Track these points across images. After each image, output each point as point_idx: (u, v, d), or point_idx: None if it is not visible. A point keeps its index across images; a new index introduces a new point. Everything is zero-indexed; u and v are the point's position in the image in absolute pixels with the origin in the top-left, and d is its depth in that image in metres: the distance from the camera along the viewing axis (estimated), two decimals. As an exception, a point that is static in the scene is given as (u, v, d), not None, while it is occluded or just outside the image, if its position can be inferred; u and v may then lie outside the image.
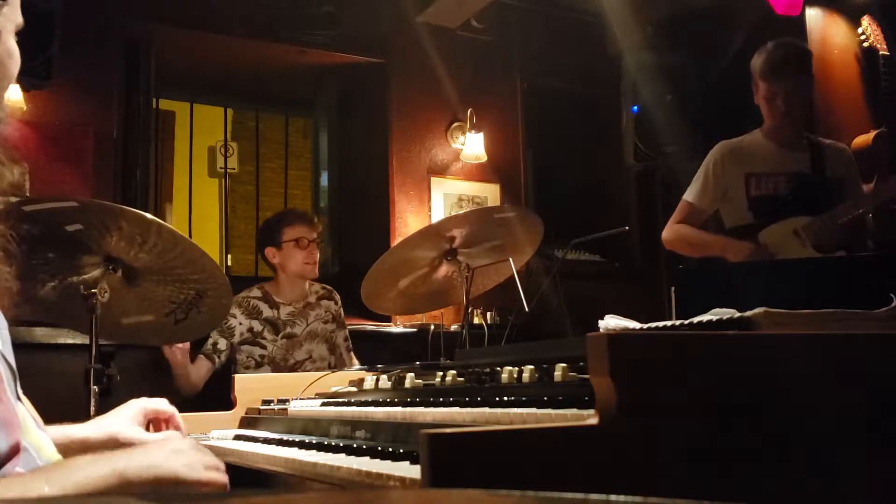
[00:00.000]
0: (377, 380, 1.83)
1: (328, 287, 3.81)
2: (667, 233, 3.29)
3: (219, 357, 3.50)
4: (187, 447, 1.18)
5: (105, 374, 2.35)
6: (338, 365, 3.68)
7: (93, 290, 2.31)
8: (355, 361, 3.75)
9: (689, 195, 3.25)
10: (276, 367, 3.53)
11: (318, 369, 3.58)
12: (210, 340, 3.50)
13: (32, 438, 1.20)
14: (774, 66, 3.07)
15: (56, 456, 1.22)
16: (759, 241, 3.00)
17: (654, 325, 1.29)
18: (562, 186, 5.97)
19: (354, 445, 1.34)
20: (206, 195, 5.92)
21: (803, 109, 3.17)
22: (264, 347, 3.54)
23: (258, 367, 3.52)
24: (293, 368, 3.55)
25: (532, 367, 1.39)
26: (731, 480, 0.96)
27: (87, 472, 0.99)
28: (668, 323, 1.26)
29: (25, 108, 4.02)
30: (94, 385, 2.29)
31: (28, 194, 3.83)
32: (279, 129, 6.06)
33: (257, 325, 3.55)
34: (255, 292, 3.63)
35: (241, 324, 3.53)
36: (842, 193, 3.11)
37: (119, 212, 2.27)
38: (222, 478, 1.21)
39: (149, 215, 2.31)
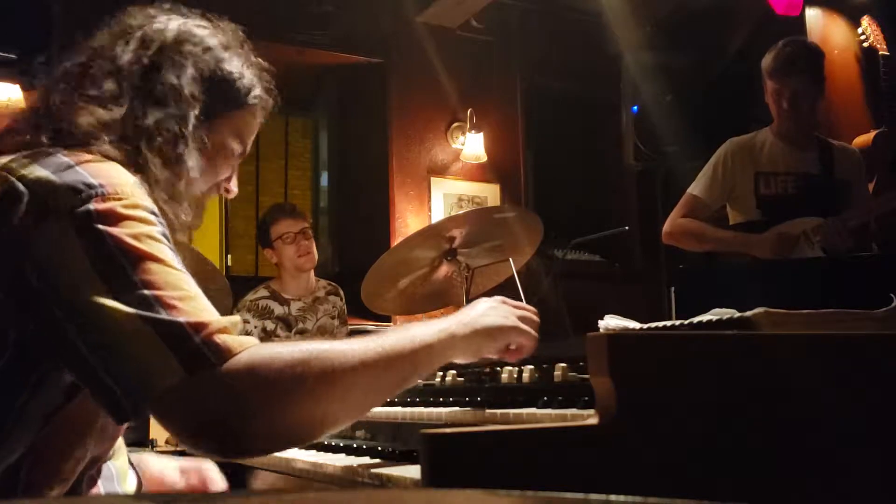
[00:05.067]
0: (377, 380, 1.83)
1: (334, 284, 3.82)
2: (669, 226, 3.26)
3: None
4: (498, 303, 1.29)
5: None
6: None
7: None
8: None
9: (696, 189, 3.22)
10: None
11: None
12: None
13: (121, 464, 1.29)
14: (781, 65, 3.05)
15: (130, 486, 1.30)
16: (778, 231, 2.97)
17: (654, 325, 1.29)
18: (562, 186, 5.96)
19: (354, 445, 1.35)
20: (205, 195, 5.90)
21: (811, 110, 3.14)
22: None
23: None
24: None
25: (532, 367, 1.38)
26: (732, 480, 0.95)
27: (425, 331, 1.13)
28: (668, 323, 1.26)
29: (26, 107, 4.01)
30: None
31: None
32: (279, 129, 6.05)
33: (269, 325, 3.55)
34: (262, 292, 3.62)
35: (255, 327, 3.53)
36: (849, 195, 3.10)
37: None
38: (532, 331, 1.30)
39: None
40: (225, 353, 0.95)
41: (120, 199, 1.02)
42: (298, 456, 1.41)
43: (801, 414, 1.00)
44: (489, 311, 1.26)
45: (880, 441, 1.04)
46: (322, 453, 1.39)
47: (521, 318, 1.29)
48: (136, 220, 1.02)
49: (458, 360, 1.24)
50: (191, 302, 0.98)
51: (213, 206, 6.02)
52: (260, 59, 1.39)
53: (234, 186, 1.43)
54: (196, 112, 1.23)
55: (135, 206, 1.03)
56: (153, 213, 1.05)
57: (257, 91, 1.35)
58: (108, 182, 1.04)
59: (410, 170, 5.24)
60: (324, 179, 5.91)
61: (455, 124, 5.35)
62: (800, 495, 0.98)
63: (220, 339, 0.96)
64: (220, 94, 1.27)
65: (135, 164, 1.13)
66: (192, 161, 1.22)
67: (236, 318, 1.02)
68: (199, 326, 0.96)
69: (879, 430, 1.04)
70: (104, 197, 1.01)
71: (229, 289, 2.59)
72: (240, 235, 5.93)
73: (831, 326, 1.13)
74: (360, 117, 5.56)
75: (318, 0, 4.93)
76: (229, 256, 5.76)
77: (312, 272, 3.70)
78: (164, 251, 1.02)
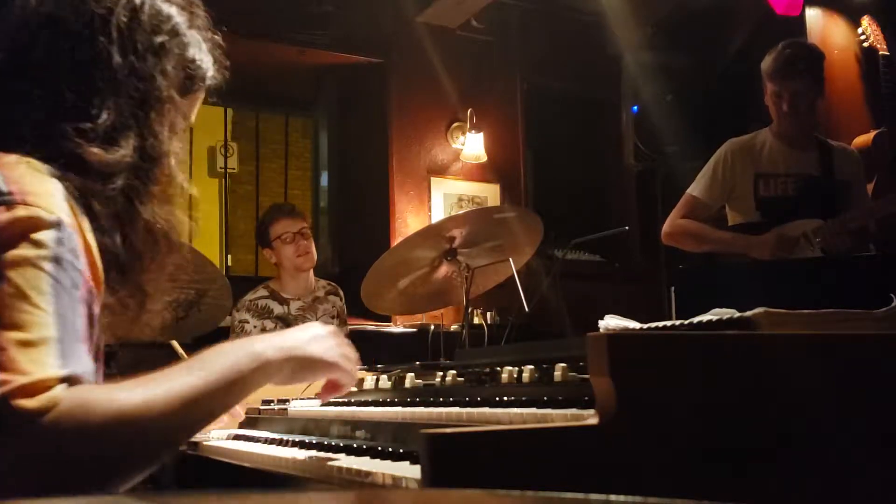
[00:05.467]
0: (377, 380, 1.83)
1: (333, 284, 3.82)
2: (669, 227, 3.26)
3: None
4: (326, 334, 1.21)
5: (105, 374, 2.35)
6: None
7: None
8: None
9: (695, 190, 3.22)
10: None
11: None
12: None
13: None
14: (780, 67, 3.05)
15: None
16: (778, 232, 2.97)
17: (654, 325, 1.29)
18: (562, 186, 5.97)
19: (354, 445, 1.34)
20: (206, 195, 5.91)
21: (810, 111, 3.14)
22: None
23: None
24: None
25: (532, 367, 1.38)
26: (731, 480, 0.96)
27: (240, 358, 1.05)
28: (668, 323, 1.26)
29: None
30: (94, 385, 2.29)
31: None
32: (279, 129, 6.05)
33: (269, 324, 3.55)
34: (262, 292, 3.62)
35: (255, 327, 3.53)
36: (848, 196, 3.10)
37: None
38: (355, 370, 1.25)
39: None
40: (21, 416, 0.85)
41: (24, 212, 0.94)
42: (298, 456, 1.41)
43: (801, 414, 1.00)
44: (314, 339, 1.19)
45: (880, 441, 1.04)
46: (322, 453, 1.39)
47: (344, 356, 1.23)
48: (28, 242, 0.93)
49: (273, 384, 1.17)
50: (27, 350, 0.88)
51: (212, 206, 6.02)
52: (211, 30, 1.27)
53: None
54: (168, 106, 1.16)
55: (35, 223, 0.94)
56: (55, 227, 0.95)
57: (212, 72, 1.27)
58: (18, 190, 0.95)
59: (410, 170, 5.24)
60: (324, 179, 5.91)
61: (455, 124, 5.36)
62: (800, 495, 0.98)
63: (19, 403, 0.85)
64: (180, 81, 1.20)
65: (110, 170, 1.06)
66: (171, 155, 1.17)
67: (71, 370, 0.90)
68: (4, 382, 0.85)
69: (879, 430, 1.04)
70: (9, 206, 0.94)
71: (229, 289, 2.59)
72: (240, 235, 5.93)
73: (831, 326, 1.13)
74: (360, 117, 5.56)
75: (318, 0, 4.93)
76: (229, 256, 5.77)
77: (312, 272, 3.70)
78: (38, 283, 0.92)
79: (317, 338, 1.19)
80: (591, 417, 0.94)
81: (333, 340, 1.22)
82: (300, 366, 1.15)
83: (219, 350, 1.06)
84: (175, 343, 3.36)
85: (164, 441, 0.97)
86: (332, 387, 1.28)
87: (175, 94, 1.16)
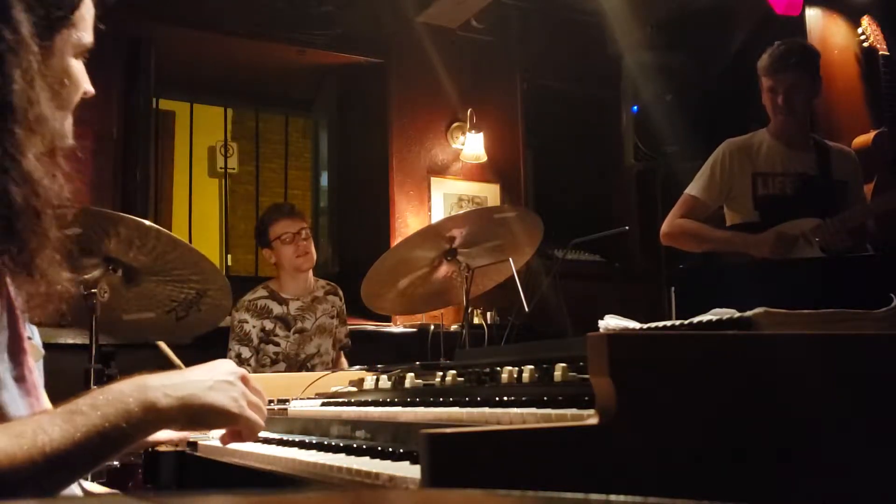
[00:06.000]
0: (377, 380, 1.83)
1: (333, 283, 3.83)
2: (668, 227, 3.26)
3: (248, 366, 3.46)
4: (233, 379, 1.11)
5: (105, 374, 2.35)
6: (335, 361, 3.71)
7: (93, 290, 2.31)
8: (344, 362, 3.75)
9: (694, 190, 3.23)
10: (290, 363, 3.54)
11: (325, 364, 3.59)
12: (232, 354, 3.47)
13: None
14: (775, 61, 3.08)
15: None
16: (777, 231, 2.97)
17: (654, 325, 1.29)
18: (562, 186, 5.97)
19: (354, 445, 1.34)
20: (206, 195, 5.91)
21: (806, 108, 3.15)
22: (277, 345, 3.55)
23: (273, 364, 3.53)
24: (304, 363, 3.57)
25: (532, 367, 1.38)
26: (731, 480, 0.96)
27: (119, 407, 0.96)
28: (668, 323, 1.26)
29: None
30: (94, 385, 2.29)
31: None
32: (279, 129, 6.05)
33: (268, 324, 3.56)
34: (261, 292, 3.62)
35: (254, 327, 3.53)
36: (846, 197, 3.11)
37: (117, 219, 2.27)
38: (260, 420, 1.14)
39: (147, 222, 2.31)
40: None
41: None
42: (298, 456, 1.41)
43: (800, 414, 1.00)
44: (216, 387, 1.08)
45: (880, 441, 1.04)
46: (322, 453, 1.39)
47: (251, 404, 1.12)
48: None
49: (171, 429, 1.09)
50: None
51: (212, 206, 6.02)
52: None
53: (90, 87, 1.20)
54: (38, 50, 1.02)
55: None
56: None
57: None
58: None
59: (410, 170, 5.24)
60: (324, 179, 5.91)
61: (455, 124, 5.35)
62: (800, 495, 0.98)
63: None
64: (53, 10, 1.07)
65: None
66: (52, 104, 1.06)
67: None
68: None
69: (879, 430, 1.04)
70: None
71: (229, 289, 2.59)
72: (240, 235, 5.93)
73: (831, 326, 1.13)
74: (360, 117, 5.56)
75: (319, 0, 4.93)
76: (229, 256, 5.77)
77: (311, 272, 3.70)
78: None
79: (220, 385, 1.08)
80: (591, 417, 0.94)
81: (238, 389, 1.11)
82: (197, 415, 1.06)
83: (107, 396, 0.97)
84: (163, 345, 3.30)
85: (30, 491, 0.89)
86: (233, 434, 1.18)
87: (29, 38, 1.01)
